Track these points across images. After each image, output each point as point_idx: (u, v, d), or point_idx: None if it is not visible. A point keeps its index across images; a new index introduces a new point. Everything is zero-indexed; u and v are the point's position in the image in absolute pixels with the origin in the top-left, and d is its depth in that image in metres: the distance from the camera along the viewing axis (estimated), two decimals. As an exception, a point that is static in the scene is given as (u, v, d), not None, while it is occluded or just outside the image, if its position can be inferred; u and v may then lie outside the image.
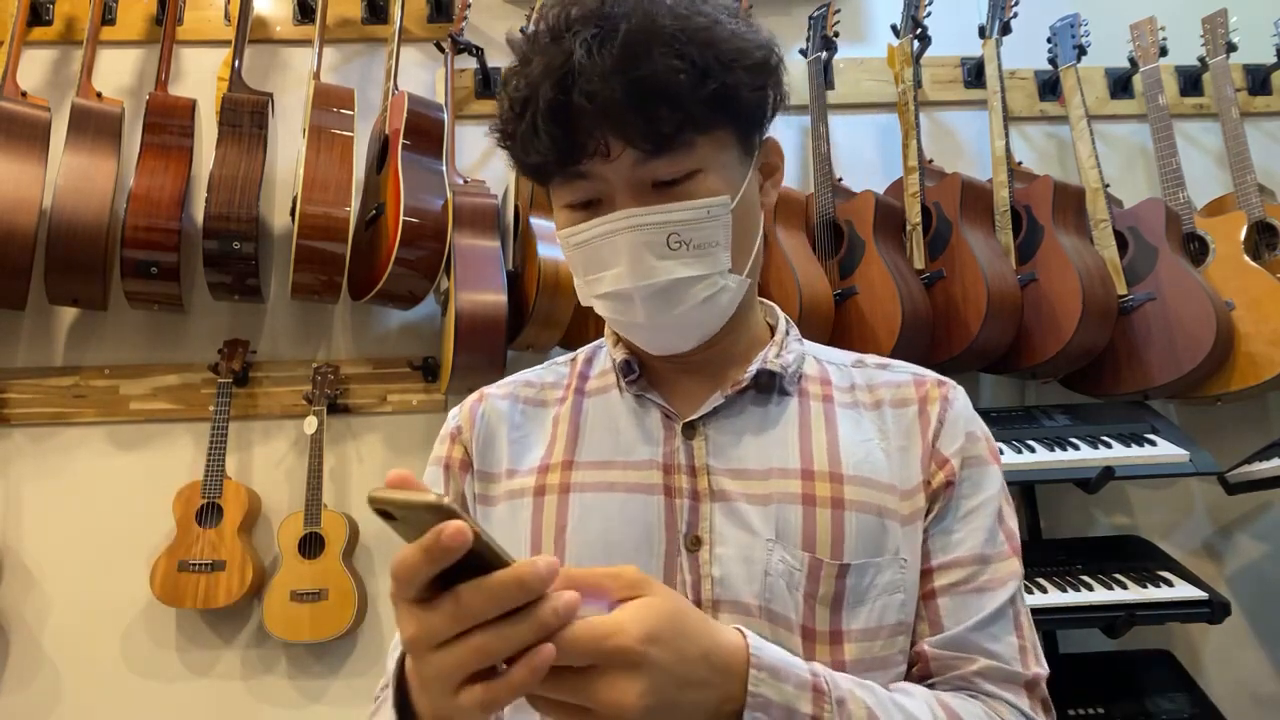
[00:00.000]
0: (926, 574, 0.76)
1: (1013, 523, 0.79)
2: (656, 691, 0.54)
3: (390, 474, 0.49)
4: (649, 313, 0.75)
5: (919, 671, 0.74)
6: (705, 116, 0.70)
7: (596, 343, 0.91)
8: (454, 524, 0.46)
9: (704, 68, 0.68)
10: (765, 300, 0.89)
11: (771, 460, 0.77)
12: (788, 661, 0.61)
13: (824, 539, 0.73)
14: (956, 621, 0.73)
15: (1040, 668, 0.74)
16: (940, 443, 0.79)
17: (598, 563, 0.73)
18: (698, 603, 0.72)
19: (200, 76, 2.30)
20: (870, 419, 0.81)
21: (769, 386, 0.81)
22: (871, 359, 0.87)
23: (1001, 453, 1.85)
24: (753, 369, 0.80)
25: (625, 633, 0.53)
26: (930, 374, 0.84)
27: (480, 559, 0.48)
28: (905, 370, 0.85)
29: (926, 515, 0.77)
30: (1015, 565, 0.77)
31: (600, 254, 0.74)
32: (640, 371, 0.82)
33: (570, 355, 0.91)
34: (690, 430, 0.79)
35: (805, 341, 0.88)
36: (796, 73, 2.37)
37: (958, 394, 0.83)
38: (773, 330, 0.86)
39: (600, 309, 0.79)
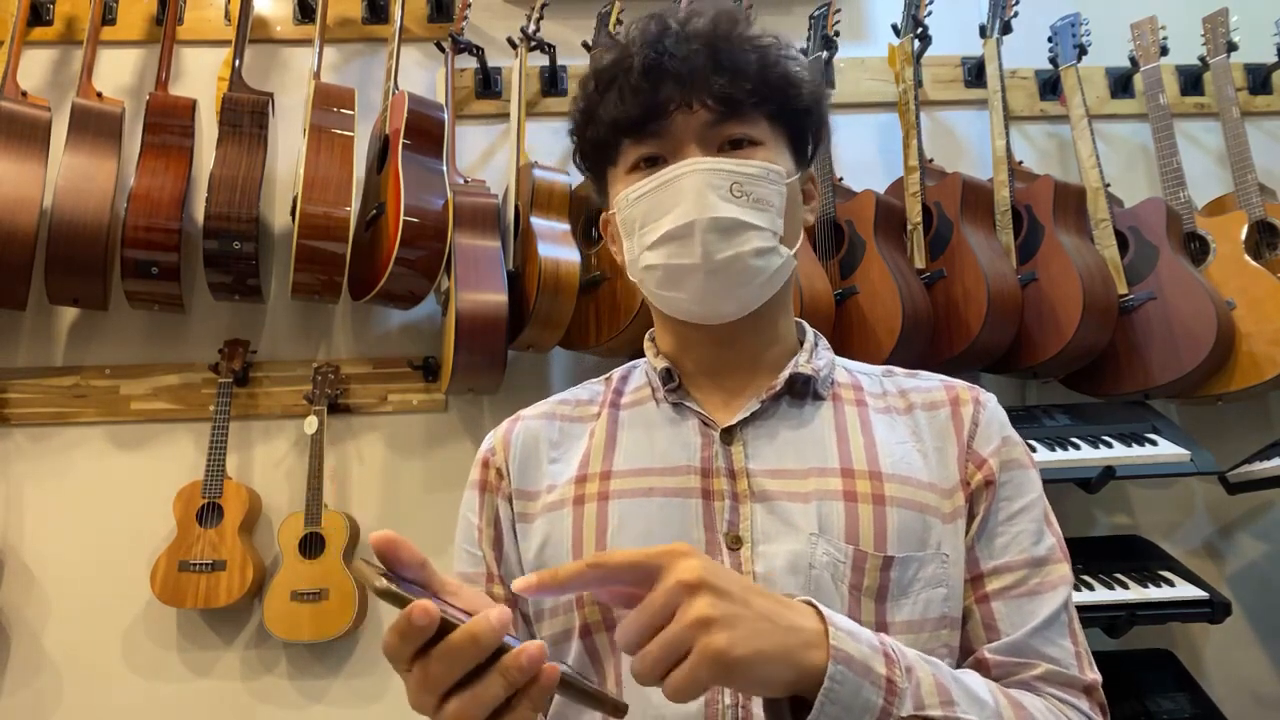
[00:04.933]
0: (977, 579, 0.77)
1: (1057, 527, 0.81)
2: (714, 571, 0.57)
3: (374, 536, 0.54)
4: (706, 248, 0.77)
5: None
6: (770, 97, 0.79)
7: (632, 363, 0.94)
8: (420, 604, 0.51)
9: (773, 59, 0.80)
10: (798, 319, 0.92)
11: (810, 460, 0.79)
12: (857, 624, 0.63)
13: (867, 533, 0.75)
14: (1012, 625, 0.75)
15: (1095, 674, 0.76)
16: (976, 443, 0.81)
17: None
18: None
19: (200, 76, 2.30)
20: (904, 423, 0.83)
21: (803, 392, 0.84)
22: (900, 370, 0.90)
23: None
24: (786, 373, 0.83)
25: (667, 546, 0.59)
26: (959, 381, 0.87)
27: (450, 624, 0.53)
28: (934, 378, 0.88)
29: (969, 517, 0.79)
30: (1066, 570, 0.79)
31: (664, 199, 0.78)
32: (679, 381, 0.85)
33: (606, 375, 0.94)
34: (728, 436, 0.81)
35: (832, 351, 0.91)
36: (797, 72, 2.37)
37: (989, 398, 0.86)
38: (802, 341, 0.89)
39: (652, 260, 0.80)
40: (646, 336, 0.92)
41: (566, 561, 0.78)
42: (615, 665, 0.76)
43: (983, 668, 0.75)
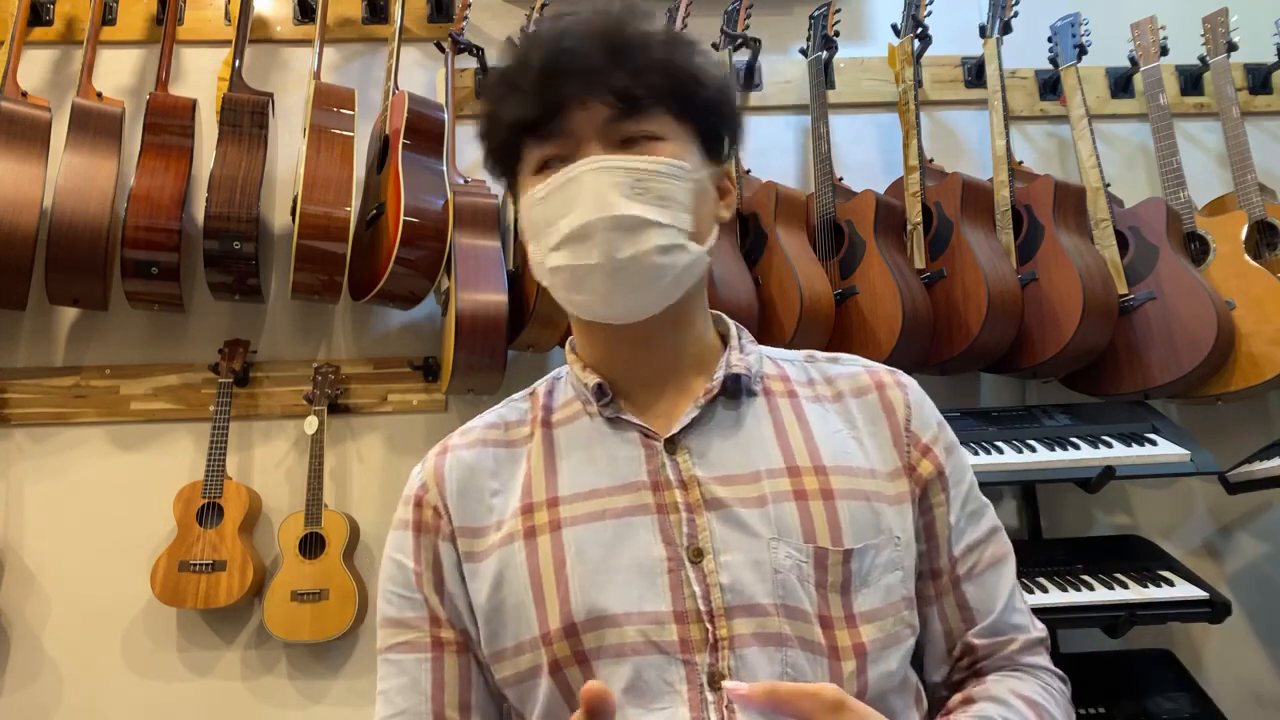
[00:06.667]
0: (952, 565, 0.81)
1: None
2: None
3: None
4: (607, 248, 0.74)
5: (969, 661, 0.82)
6: (672, 93, 0.77)
7: (553, 373, 0.90)
8: None
9: (674, 53, 0.78)
10: (712, 310, 0.89)
11: (756, 462, 0.78)
12: None
13: (823, 530, 0.75)
14: (984, 604, 0.81)
15: (1040, 624, 0.84)
16: (914, 426, 0.83)
17: (603, 593, 0.74)
18: (709, 612, 0.72)
19: (200, 76, 2.30)
20: (835, 410, 0.84)
21: (736, 391, 0.83)
22: (821, 354, 0.90)
23: (1001, 452, 1.85)
24: (720, 374, 0.82)
25: (826, 688, 0.62)
26: (878, 364, 0.88)
27: None
28: (855, 362, 0.88)
29: (926, 506, 0.82)
30: (1004, 534, 0.85)
31: (565, 199, 0.76)
32: (612, 395, 0.82)
33: (529, 389, 0.90)
34: (671, 445, 0.79)
35: (756, 343, 0.90)
36: (797, 72, 2.37)
37: (909, 380, 0.87)
38: (724, 337, 0.88)
39: (556, 262, 0.77)
40: (567, 346, 0.88)
41: (525, 599, 0.75)
42: None
43: (971, 652, 0.81)
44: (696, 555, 0.74)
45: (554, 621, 0.74)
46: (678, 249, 0.76)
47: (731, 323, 0.89)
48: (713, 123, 0.82)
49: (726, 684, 0.62)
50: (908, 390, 0.85)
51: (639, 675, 0.72)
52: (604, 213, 0.74)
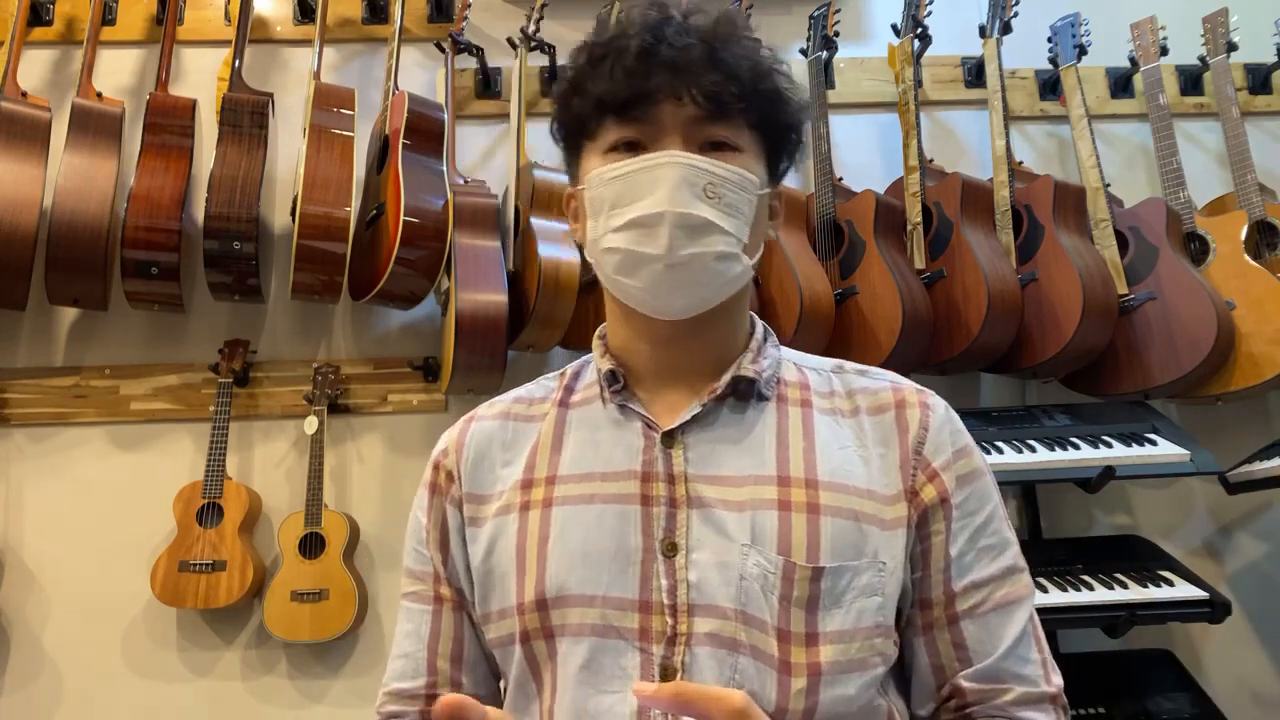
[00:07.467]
0: (949, 599, 0.78)
1: (1010, 527, 0.82)
2: None
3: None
4: (672, 241, 0.75)
5: (956, 704, 0.78)
6: (758, 108, 0.79)
7: (585, 358, 0.92)
8: None
9: (766, 69, 0.80)
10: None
11: (748, 467, 0.79)
12: None
13: (799, 543, 0.75)
14: (982, 644, 0.77)
15: (1058, 677, 0.78)
16: (926, 450, 0.80)
17: (575, 573, 0.76)
18: (673, 607, 0.74)
19: (200, 77, 2.30)
20: (848, 426, 0.82)
21: (746, 393, 0.83)
22: (851, 365, 0.88)
23: (1001, 452, 1.85)
24: (728, 376, 0.82)
25: (734, 694, 0.60)
26: (908, 383, 0.86)
27: None
28: (884, 378, 0.86)
29: (925, 534, 0.78)
30: (1028, 577, 0.81)
31: (639, 185, 0.77)
32: (625, 383, 0.84)
33: (561, 370, 0.92)
34: (669, 439, 0.80)
35: (784, 348, 0.89)
36: (797, 72, 2.37)
37: (938, 402, 0.84)
38: (751, 338, 0.88)
39: (615, 243, 0.78)
40: (596, 334, 0.90)
41: (509, 569, 0.79)
42: (552, 672, 0.77)
43: (959, 694, 0.77)
44: (670, 550, 0.76)
45: (528, 594, 0.78)
46: (732, 258, 0.78)
47: (760, 324, 0.89)
48: (783, 144, 0.84)
49: (634, 686, 0.61)
50: (930, 412, 0.82)
51: (594, 657, 0.74)
52: (675, 207, 0.75)
